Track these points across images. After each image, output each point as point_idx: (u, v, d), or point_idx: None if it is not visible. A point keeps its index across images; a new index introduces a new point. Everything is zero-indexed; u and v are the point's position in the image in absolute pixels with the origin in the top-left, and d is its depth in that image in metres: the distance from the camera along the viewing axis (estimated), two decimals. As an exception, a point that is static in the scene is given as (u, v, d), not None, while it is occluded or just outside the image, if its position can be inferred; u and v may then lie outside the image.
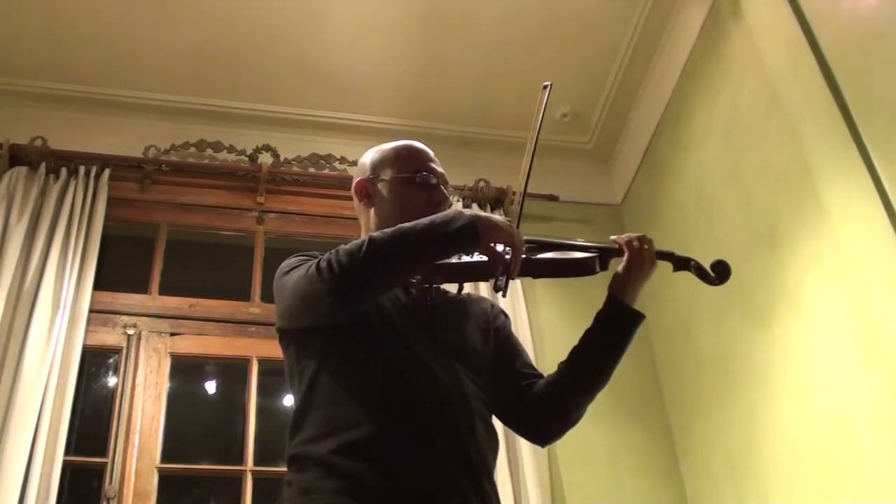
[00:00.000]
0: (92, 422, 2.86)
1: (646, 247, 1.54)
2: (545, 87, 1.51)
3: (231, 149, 3.38)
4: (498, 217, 1.37)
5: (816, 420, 2.34)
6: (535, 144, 1.51)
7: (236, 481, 2.79)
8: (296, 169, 3.42)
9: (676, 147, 3.24)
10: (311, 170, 3.43)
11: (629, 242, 1.55)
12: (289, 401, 3.41)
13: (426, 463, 1.29)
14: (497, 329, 1.64)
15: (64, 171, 3.07)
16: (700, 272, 1.56)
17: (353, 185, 1.64)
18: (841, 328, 2.26)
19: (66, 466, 2.54)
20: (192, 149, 3.35)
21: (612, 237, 1.58)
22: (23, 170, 3.03)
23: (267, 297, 3.16)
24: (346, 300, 1.32)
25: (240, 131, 3.42)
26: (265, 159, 3.38)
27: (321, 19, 3.20)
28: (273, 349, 3.04)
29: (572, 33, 3.27)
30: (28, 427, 2.46)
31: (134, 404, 2.77)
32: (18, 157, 3.07)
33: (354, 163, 3.42)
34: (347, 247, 1.32)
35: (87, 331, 2.78)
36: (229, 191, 3.34)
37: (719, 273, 1.55)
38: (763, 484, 2.58)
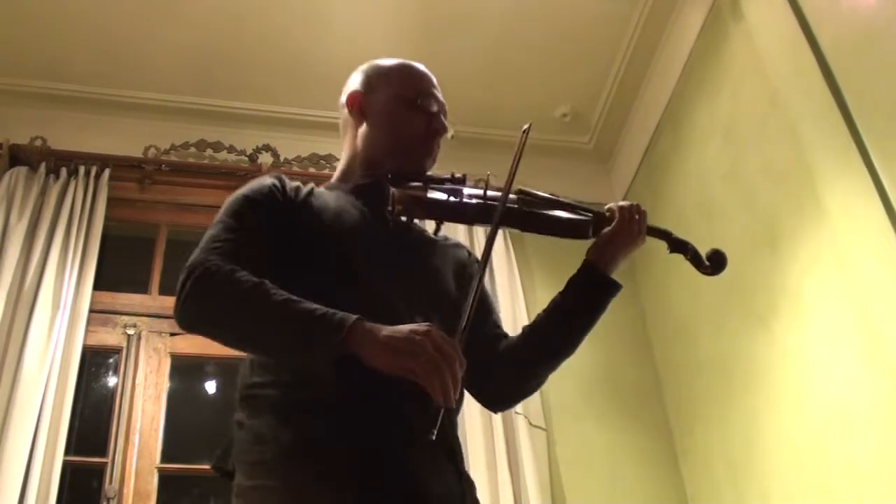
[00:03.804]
0: (92, 422, 2.85)
1: (636, 216, 1.45)
2: (524, 130, 1.35)
3: (231, 149, 3.38)
4: (412, 330, 1.08)
5: (816, 420, 2.34)
6: (509, 185, 1.33)
7: (236, 481, 2.79)
8: (296, 169, 3.41)
9: (676, 147, 3.24)
10: (312, 170, 3.43)
11: (621, 208, 1.45)
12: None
13: (389, 423, 1.18)
14: (470, 278, 1.50)
15: (64, 171, 3.07)
16: (696, 258, 1.47)
17: (346, 96, 1.54)
18: (841, 328, 2.26)
19: (66, 466, 2.54)
20: (192, 149, 3.35)
21: (610, 204, 1.48)
22: (23, 170, 3.03)
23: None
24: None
25: (240, 131, 3.42)
26: (265, 159, 3.38)
27: (321, 19, 3.20)
28: (273, 349, 3.07)
29: (572, 33, 3.27)
30: (28, 427, 2.46)
31: (134, 404, 2.77)
32: (18, 157, 3.07)
33: (354, 163, 3.46)
34: (192, 259, 1.22)
35: (87, 331, 2.78)
36: (229, 191, 3.25)
37: (714, 262, 1.46)
38: (763, 484, 2.58)
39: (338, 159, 3.84)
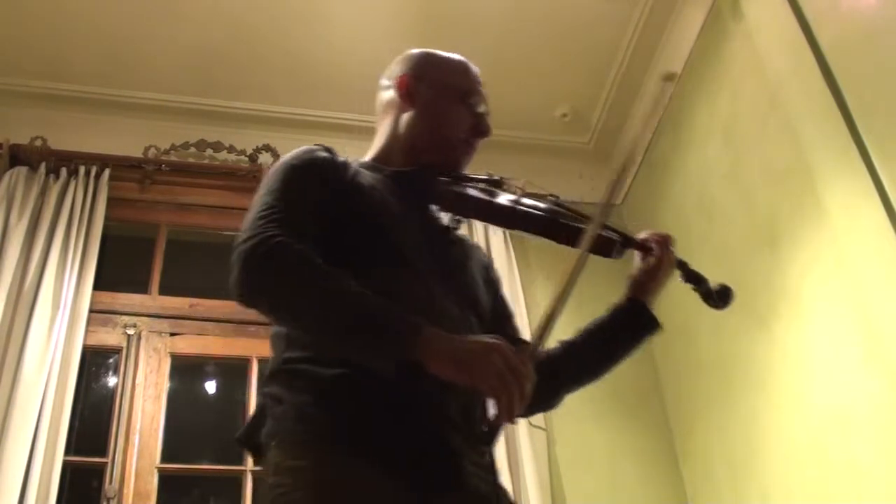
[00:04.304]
0: (92, 422, 2.85)
1: (672, 249, 1.44)
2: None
3: (231, 149, 3.38)
4: (486, 346, 1.05)
5: (816, 420, 2.34)
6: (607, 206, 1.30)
7: (236, 481, 2.79)
8: (296, 169, 3.41)
9: (676, 147, 3.24)
10: (311, 170, 3.43)
11: (662, 241, 1.43)
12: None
13: (437, 411, 1.17)
14: (493, 282, 1.52)
15: (64, 171, 3.07)
16: (707, 292, 1.47)
17: (395, 78, 1.50)
18: (841, 328, 2.26)
19: (66, 466, 2.54)
20: (192, 149, 3.35)
21: (642, 234, 1.45)
22: (23, 170, 3.03)
23: (267, 297, 3.16)
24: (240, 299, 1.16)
25: (240, 131, 3.41)
26: (265, 159, 3.37)
27: (321, 19, 3.20)
28: (273, 349, 3.07)
29: (572, 33, 3.27)
30: (28, 427, 2.46)
31: (134, 404, 2.77)
32: (18, 157, 3.07)
33: (354, 163, 3.46)
34: (251, 229, 1.17)
35: (87, 331, 2.78)
36: (229, 191, 3.34)
37: (722, 297, 1.46)
38: (763, 484, 2.58)
39: (337, 159, 3.82)
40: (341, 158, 1.36)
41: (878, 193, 2.10)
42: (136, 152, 3.27)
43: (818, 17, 2.40)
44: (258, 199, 1.26)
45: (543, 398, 1.41)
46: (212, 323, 3.04)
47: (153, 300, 3.05)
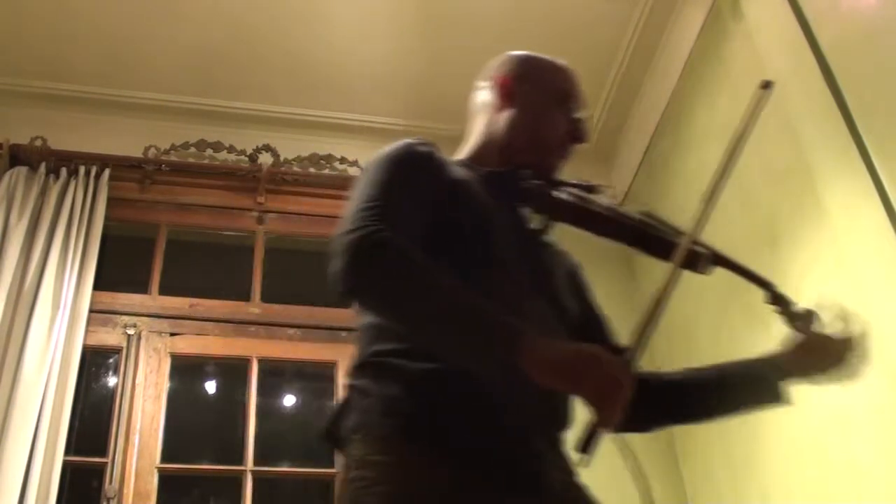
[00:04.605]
0: (92, 422, 2.85)
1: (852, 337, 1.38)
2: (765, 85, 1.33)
3: (231, 149, 3.38)
4: (587, 353, 1.04)
5: (816, 420, 2.34)
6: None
7: (236, 481, 2.79)
8: (296, 169, 3.42)
9: (676, 147, 3.24)
10: (311, 170, 3.43)
11: (847, 345, 1.38)
12: (289, 401, 3.41)
13: (518, 416, 1.16)
14: (581, 287, 1.50)
15: (64, 171, 3.07)
16: (790, 317, 1.43)
17: (495, 77, 1.48)
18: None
19: (66, 466, 2.54)
20: (192, 149, 3.35)
21: (847, 332, 1.39)
22: (23, 170, 3.03)
23: (267, 297, 3.16)
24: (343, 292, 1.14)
25: (240, 131, 3.42)
26: (265, 159, 3.38)
27: (321, 19, 3.20)
28: (273, 349, 3.08)
29: (572, 33, 3.27)
30: (28, 427, 2.46)
31: (134, 404, 2.77)
32: (18, 157, 3.07)
33: (355, 163, 3.47)
34: (356, 222, 1.14)
35: (87, 331, 2.78)
36: (229, 191, 3.34)
37: (807, 321, 1.42)
38: (763, 484, 2.58)
39: (338, 159, 3.87)
40: (439, 154, 1.34)
41: (878, 193, 2.09)
42: (136, 152, 3.27)
43: (818, 17, 2.40)
44: (360, 191, 1.23)
45: (641, 420, 1.40)
46: (212, 323, 3.05)
47: (153, 300, 3.05)
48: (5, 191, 2.94)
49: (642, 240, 1.36)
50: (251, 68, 3.34)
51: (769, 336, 2.55)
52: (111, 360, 3.03)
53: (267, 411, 3.09)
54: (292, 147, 3.43)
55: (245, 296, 3.15)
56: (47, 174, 3.06)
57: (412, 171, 1.27)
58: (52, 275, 2.78)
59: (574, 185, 1.40)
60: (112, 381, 2.97)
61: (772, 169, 2.62)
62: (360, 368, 1.23)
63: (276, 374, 3.26)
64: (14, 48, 3.18)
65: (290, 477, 3.07)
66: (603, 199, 1.40)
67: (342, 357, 3.07)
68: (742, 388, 1.41)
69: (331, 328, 3.11)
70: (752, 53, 2.71)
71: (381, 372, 1.18)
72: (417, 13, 3.20)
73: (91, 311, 2.83)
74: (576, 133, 1.45)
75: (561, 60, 1.53)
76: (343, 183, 3.41)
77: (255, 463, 2.79)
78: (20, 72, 3.24)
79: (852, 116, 2.22)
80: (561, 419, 1.25)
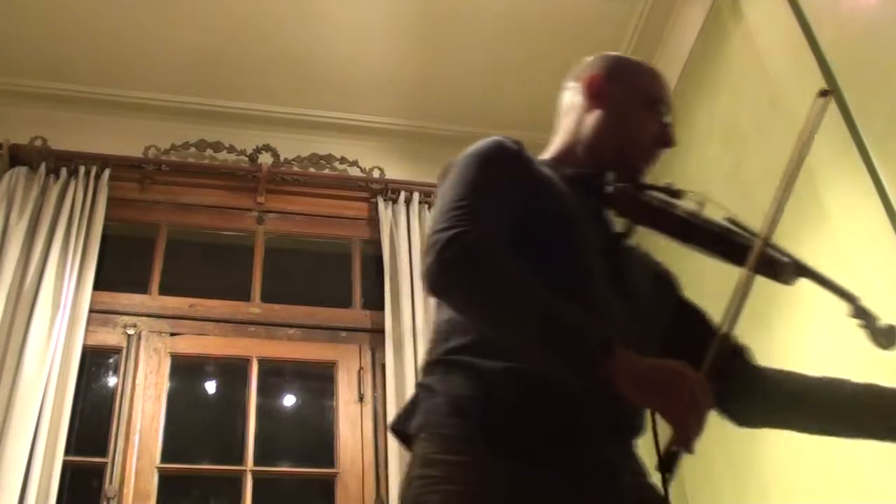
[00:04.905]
0: (92, 422, 2.85)
1: None
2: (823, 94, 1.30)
3: (231, 149, 3.38)
4: (671, 371, 1.03)
5: (816, 420, 2.34)
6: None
7: (236, 481, 2.79)
8: (296, 169, 3.42)
9: (676, 147, 3.22)
10: (311, 170, 3.43)
11: None
12: (289, 401, 3.41)
13: (590, 420, 1.15)
14: (669, 288, 1.48)
15: (64, 171, 3.07)
16: (873, 332, 1.41)
17: (585, 77, 1.47)
18: (841, 329, 2.25)
19: (66, 466, 2.54)
20: (192, 149, 3.36)
21: None
22: (23, 170, 3.03)
23: (267, 297, 3.17)
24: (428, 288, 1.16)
25: (240, 131, 3.42)
26: (265, 159, 3.38)
27: (321, 19, 3.20)
28: (273, 349, 3.08)
29: (572, 33, 3.27)
30: (28, 427, 2.46)
31: (134, 404, 2.77)
32: (18, 157, 3.07)
33: (355, 162, 3.48)
34: (447, 221, 1.14)
35: (87, 331, 2.78)
36: (229, 191, 3.34)
37: (890, 337, 1.39)
38: (764, 484, 2.58)
39: (338, 159, 3.87)
40: (527, 153, 1.33)
41: (878, 193, 2.09)
42: (136, 152, 3.27)
43: (818, 17, 2.40)
44: (449, 189, 1.22)
45: (746, 412, 1.40)
46: (212, 323, 3.05)
47: (153, 300, 3.05)
48: (5, 191, 2.94)
49: (726, 248, 1.34)
50: (251, 68, 3.34)
51: (770, 337, 2.56)
52: (111, 360, 3.03)
53: (267, 411, 3.09)
54: (292, 147, 3.43)
55: (245, 296, 3.15)
56: (47, 174, 3.06)
57: (501, 170, 1.27)
58: (52, 275, 2.78)
59: (659, 189, 1.39)
60: (112, 381, 2.97)
61: (772, 169, 2.61)
62: (432, 366, 1.23)
63: (276, 374, 3.26)
64: (14, 48, 3.18)
65: (290, 477, 3.07)
66: (688, 205, 1.38)
67: (342, 357, 3.07)
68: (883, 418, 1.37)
69: (331, 328, 3.12)
70: (752, 53, 2.71)
71: (452, 370, 1.19)
72: (417, 13, 3.20)
73: (91, 311, 2.83)
74: (663, 137, 1.44)
75: (651, 65, 1.53)
76: (343, 183, 3.42)
77: (255, 463, 2.79)
78: (20, 72, 3.25)
79: (852, 116, 2.22)
80: (635, 425, 1.24)
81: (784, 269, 1.36)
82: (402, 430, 1.22)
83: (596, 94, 1.44)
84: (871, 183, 2.11)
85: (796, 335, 2.46)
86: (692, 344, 1.23)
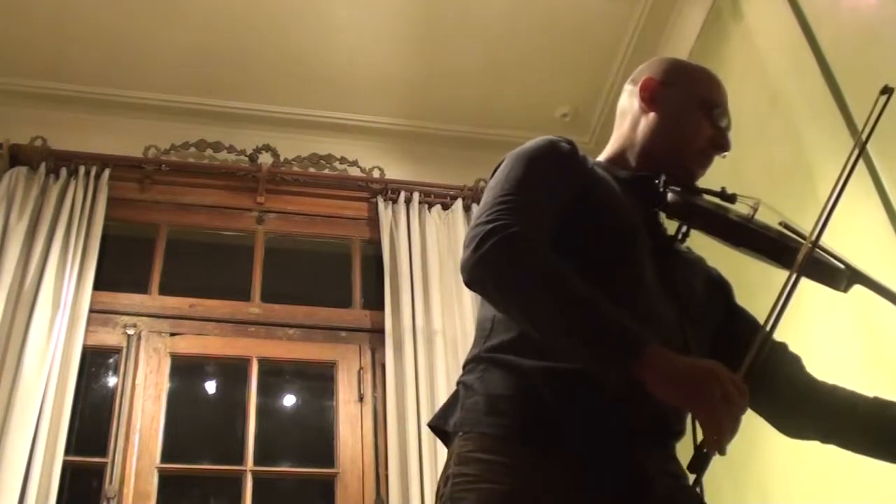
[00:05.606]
0: (92, 422, 2.85)
1: None
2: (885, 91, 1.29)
3: (231, 149, 3.38)
4: (706, 372, 1.03)
5: (816, 420, 2.34)
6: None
7: (236, 481, 2.79)
8: (296, 169, 3.42)
9: (676, 147, 3.23)
10: (311, 170, 3.43)
11: None
12: (289, 401, 3.41)
13: (626, 420, 1.14)
14: (722, 292, 1.48)
15: (64, 171, 3.08)
16: None
17: (641, 80, 1.46)
18: (841, 329, 2.26)
19: (66, 466, 2.55)
20: (192, 149, 3.36)
21: None
22: (23, 170, 3.03)
23: (267, 297, 3.17)
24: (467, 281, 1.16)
25: (240, 131, 3.42)
26: (265, 159, 3.38)
27: (321, 19, 3.20)
28: (273, 349, 3.08)
29: (572, 33, 3.27)
30: (28, 427, 2.46)
31: (134, 404, 2.77)
32: (18, 157, 3.07)
33: (355, 162, 3.48)
34: (489, 215, 1.15)
35: (87, 331, 2.78)
36: (229, 191, 3.34)
37: None
38: (763, 484, 2.57)
39: (337, 159, 3.86)
40: (581, 153, 1.33)
41: (878, 193, 2.09)
42: (136, 152, 3.27)
43: (818, 17, 2.39)
44: (496, 184, 1.23)
45: (793, 422, 1.44)
46: (212, 323, 3.05)
47: (153, 300, 3.05)
48: (5, 191, 2.94)
49: (779, 253, 1.34)
50: (251, 68, 3.34)
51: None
52: (111, 360, 3.03)
53: (267, 411, 3.09)
54: (292, 147, 3.43)
55: (245, 296, 3.15)
56: (47, 174, 3.06)
57: (549, 169, 1.27)
58: (52, 275, 2.78)
59: (713, 193, 1.40)
60: (112, 381, 2.97)
61: (772, 169, 2.62)
62: (473, 363, 1.23)
63: (276, 374, 3.26)
64: (14, 48, 3.18)
65: (290, 477, 3.07)
66: (741, 210, 1.38)
67: (342, 357, 3.07)
68: None
69: (331, 328, 3.12)
70: (752, 53, 2.71)
71: (491, 368, 1.19)
72: (417, 14, 3.20)
73: (91, 311, 2.83)
74: (719, 141, 1.44)
75: (709, 69, 1.53)
76: (343, 183, 3.42)
77: (255, 463, 2.79)
78: (20, 72, 3.25)
79: (852, 116, 2.22)
80: (675, 427, 1.23)
81: (839, 275, 1.35)
82: (440, 427, 1.22)
83: (651, 97, 1.44)
84: (871, 183, 2.11)
85: (796, 335, 2.45)
86: (740, 349, 1.22)
